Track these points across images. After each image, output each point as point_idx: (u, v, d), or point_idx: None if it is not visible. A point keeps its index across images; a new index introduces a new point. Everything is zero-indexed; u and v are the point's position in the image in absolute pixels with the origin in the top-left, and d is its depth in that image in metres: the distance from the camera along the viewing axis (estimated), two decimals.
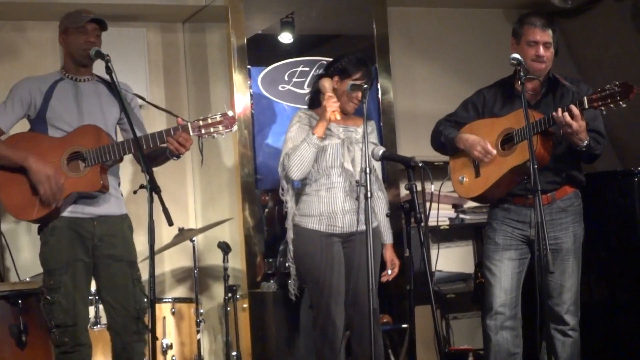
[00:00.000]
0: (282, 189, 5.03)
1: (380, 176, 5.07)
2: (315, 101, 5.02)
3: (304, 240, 4.92)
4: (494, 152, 4.54)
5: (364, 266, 4.30)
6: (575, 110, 4.24)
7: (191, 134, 4.32)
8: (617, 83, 4.17)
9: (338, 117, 4.78)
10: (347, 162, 4.88)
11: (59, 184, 4.29)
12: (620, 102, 4.17)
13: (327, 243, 4.86)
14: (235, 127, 4.32)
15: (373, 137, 5.03)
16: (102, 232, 4.43)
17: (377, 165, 5.03)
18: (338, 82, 4.92)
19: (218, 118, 4.31)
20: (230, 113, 4.32)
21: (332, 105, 4.79)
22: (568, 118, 4.23)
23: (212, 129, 4.31)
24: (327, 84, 4.89)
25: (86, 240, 4.40)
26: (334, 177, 4.90)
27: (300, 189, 5.01)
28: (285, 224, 5.05)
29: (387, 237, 5.05)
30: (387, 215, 4.93)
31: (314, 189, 4.93)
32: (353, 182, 4.85)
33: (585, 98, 4.25)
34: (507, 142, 4.53)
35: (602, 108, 4.22)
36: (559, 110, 4.27)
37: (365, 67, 4.92)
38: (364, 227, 4.31)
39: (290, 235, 5.00)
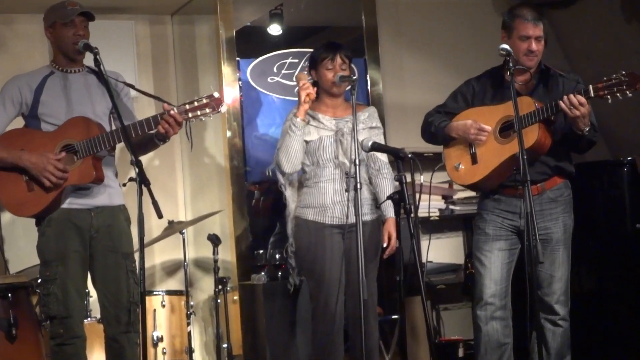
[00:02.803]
0: (281, 184, 5.02)
1: (385, 159, 4.99)
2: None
3: (302, 232, 4.93)
4: (489, 128, 4.52)
5: (363, 257, 4.30)
6: (581, 98, 4.25)
7: None
8: (624, 72, 4.19)
9: (312, 96, 4.83)
10: (341, 154, 4.88)
11: (59, 166, 4.27)
12: (627, 92, 4.19)
13: (324, 234, 4.86)
14: (222, 108, 4.28)
15: (373, 122, 5.00)
16: (98, 223, 4.42)
17: None
18: (315, 74, 4.93)
19: (204, 100, 4.27)
20: (216, 94, 4.27)
21: (304, 89, 4.82)
22: (575, 101, 4.24)
23: (199, 112, 4.27)
24: (299, 75, 4.95)
25: (83, 231, 4.39)
26: (329, 169, 4.88)
27: (302, 182, 5.00)
28: (285, 215, 5.04)
29: (388, 211, 4.94)
30: (376, 207, 4.92)
31: (313, 182, 4.92)
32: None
33: (591, 87, 4.26)
34: (506, 129, 4.51)
35: (608, 97, 4.23)
36: (566, 96, 4.26)
37: (330, 46, 4.91)
38: (362, 219, 4.33)
39: (289, 227, 5.00)
